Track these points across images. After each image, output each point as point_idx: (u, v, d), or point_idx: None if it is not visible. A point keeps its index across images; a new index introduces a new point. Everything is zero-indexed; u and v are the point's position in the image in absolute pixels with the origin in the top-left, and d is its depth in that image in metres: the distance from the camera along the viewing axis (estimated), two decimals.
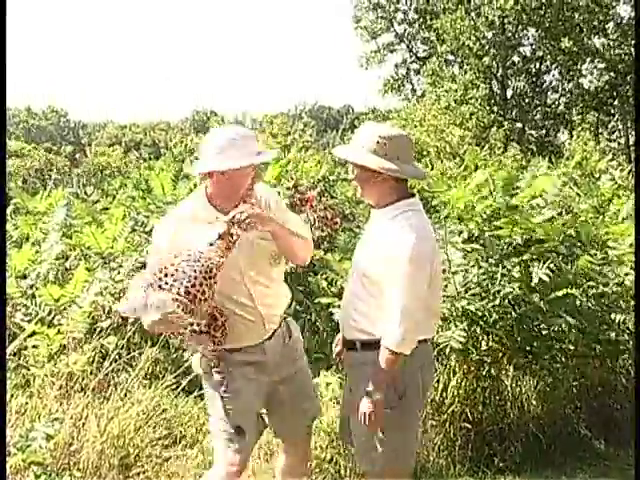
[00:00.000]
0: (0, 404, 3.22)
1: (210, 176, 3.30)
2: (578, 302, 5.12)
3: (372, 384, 3.16)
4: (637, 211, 4.78)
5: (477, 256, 5.16)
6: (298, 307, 5.80)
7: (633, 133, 34.50)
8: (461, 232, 5.33)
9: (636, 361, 4.55)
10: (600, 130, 31.57)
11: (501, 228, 5.20)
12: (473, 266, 5.11)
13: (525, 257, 5.15)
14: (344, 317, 3.42)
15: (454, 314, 4.91)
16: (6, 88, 3.75)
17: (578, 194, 7.00)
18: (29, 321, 5.26)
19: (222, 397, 3.36)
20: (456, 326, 4.83)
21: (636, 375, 4.03)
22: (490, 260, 5.14)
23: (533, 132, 33.29)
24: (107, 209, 7.85)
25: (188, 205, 3.44)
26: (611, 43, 31.21)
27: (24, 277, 6.00)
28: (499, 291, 4.96)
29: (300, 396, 3.58)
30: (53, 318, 5.34)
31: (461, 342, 4.73)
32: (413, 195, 3.33)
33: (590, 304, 5.20)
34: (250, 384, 3.39)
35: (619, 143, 31.93)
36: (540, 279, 4.93)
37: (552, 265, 4.99)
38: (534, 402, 5.19)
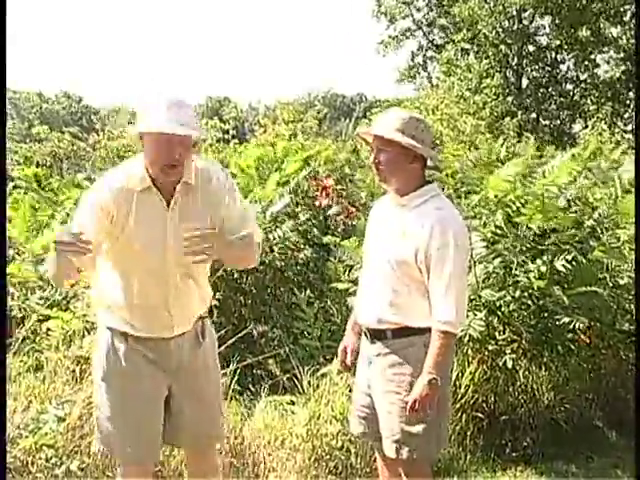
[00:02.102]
0: (0, 404, 3.22)
1: (141, 139, 3.13)
2: (598, 296, 5.08)
3: (430, 368, 3.13)
4: (637, 211, 4.74)
5: (500, 246, 5.12)
6: (311, 293, 5.77)
7: None
8: (485, 223, 5.27)
9: (636, 360, 4.51)
10: (615, 120, 31.36)
11: (523, 215, 5.16)
12: (495, 257, 5.06)
13: (542, 247, 5.10)
14: (368, 307, 3.38)
15: (473, 303, 4.89)
16: (6, 83, 3.74)
17: (595, 183, 6.93)
18: (44, 305, 5.27)
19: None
20: (475, 315, 4.81)
21: (636, 375, 4.00)
22: (512, 250, 5.08)
23: (547, 122, 33.11)
24: None
25: (124, 174, 3.17)
26: (628, 33, 30.95)
27: (42, 262, 6.02)
28: (518, 282, 4.93)
29: (204, 417, 3.36)
30: (68, 302, 5.35)
31: (480, 331, 4.71)
32: (431, 181, 3.34)
33: (605, 294, 5.16)
34: (141, 379, 3.25)
35: (636, 134, 31.71)
36: (560, 272, 4.89)
37: (570, 257, 4.95)
38: (547, 393, 5.16)
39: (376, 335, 3.34)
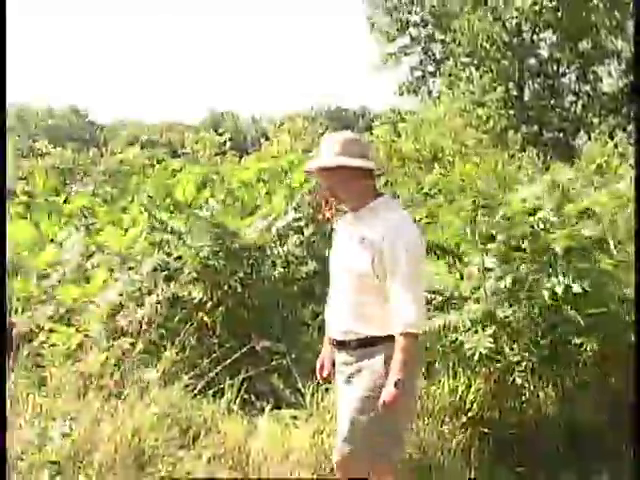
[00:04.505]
0: (0, 406, 3.21)
1: None
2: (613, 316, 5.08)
3: (397, 370, 3.21)
4: (637, 214, 4.74)
5: (514, 263, 5.11)
6: (315, 307, 5.76)
7: None
8: (505, 239, 5.27)
9: (636, 358, 4.50)
10: (618, 133, 31.38)
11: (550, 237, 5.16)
12: (508, 273, 5.06)
13: (558, 265, 5.09)
14: (335, 319, 3.49)
15: (484, 319, 4.89)
16: (6, 89, 3.77)
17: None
18: (49, 320, 5.28)
19: None
20: (484, 331, 4.80)
21: (635, 377, 3.99)
22: (525, 267, 5.07)
23: (550, 135, 33.11)
24: (126, 208, 7.87)
25: None
26: (630, 45, 30.98)
27: (45, 277, 6.03)
28: (530, 298, 4.92)
29: None
30: (69, 318, 5.36)
31: (489, 347, 4.71)
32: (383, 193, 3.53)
33: (613, 307, 5.15)
34: None
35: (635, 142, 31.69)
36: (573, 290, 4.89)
37: (587, 282, 4.92)
38: (553, 406, 5.14)
39: (342, 346, 3.44)
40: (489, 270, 5.09)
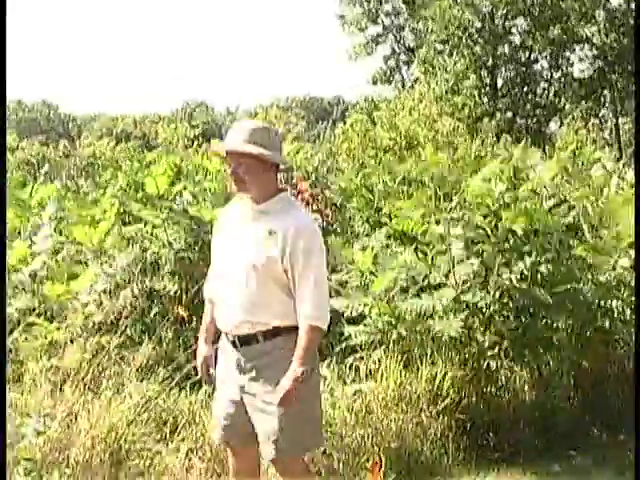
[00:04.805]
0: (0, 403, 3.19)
1: None
2: (579, 294, 5.12)
3: (300, 360, 3.25)
4: (637, 211, 4.77)
5: (479, 247, 5.14)
6: None
7: (623, 121, 34.61)
8: (466, 222, 5.28)
9: (636, 356, 4.53)
10: (590, 119, 31.63)
11: (501, 219, 5.19)
12: (476, 257, 5.09)
13: (526, 249, 5.13)
14: (233, 313, 3.41)
15: (453, 304, 4.90)
16: (6, 87, 3.72)
17: (567, 181, 6.99)
18: (23, 315, 5.23)
19: None
20: (455, 316, 4.82)
21: (635, 371, 4.02)
22: (491, 251, 5.11)
23: (523, 121, 33.31)
24: (98, 202, 7.80)
25: None
26: (601, 30, 31.22)
27: (16, 271, 5.96)
28: (498, 283, 4.95)
29: None
30: (47, 313, 5.32)
31: (459, 331, 4.73)
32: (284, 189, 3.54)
33: (585, 293, 5.19)
34: None
35: (610, 131, 31.97)
36: (540, 272, 4.93)
37: (550, 256, 4.99)
38: (529, 392, 5.18)
39: (245, 340, 3.40)
40: (456, 257, 5.11)
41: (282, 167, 3.50)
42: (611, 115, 34.15)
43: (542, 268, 4.95)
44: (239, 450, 3.61)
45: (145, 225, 6.54)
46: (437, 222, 5.38)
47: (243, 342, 3.40)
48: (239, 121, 3.65)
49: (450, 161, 7.13)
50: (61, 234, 6.60)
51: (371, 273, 5.31)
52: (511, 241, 5.20)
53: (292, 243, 3.28)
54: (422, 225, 5.52)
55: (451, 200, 5.59)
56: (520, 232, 5.18)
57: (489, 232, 5.20)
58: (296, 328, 3.32)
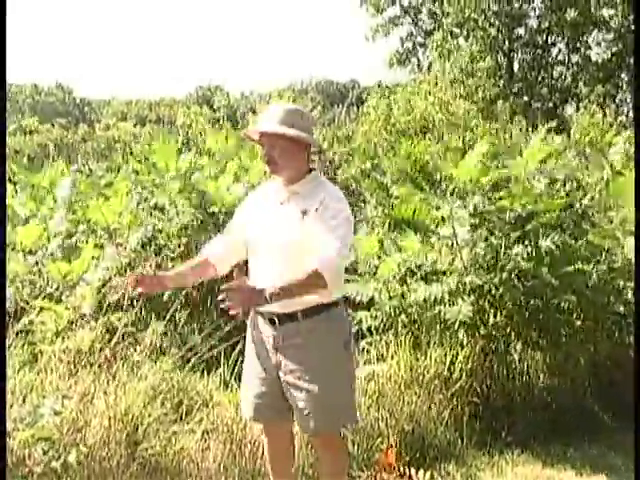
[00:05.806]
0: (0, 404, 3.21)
1: None
2: (587, 276, 5.10)
3: (278, 287, 3.13)
4: (637, 208, 4.74)
5: (483, 230, 5.13)
6: None
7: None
8: (466, 206, 5.28)
9: (635, 354, 4.52)
10: (607, 103, 31.32)
11: (501, 199, 5.19)
12: (481, 240, 5.09)
13: (527, 228, 5.13)
14: None
15: (461, 288, 4.90)
16: (6, 75, 3.73)
17: (587, 167, 6.95)
18: (37, 297, 5.25)
19: None
20: (464, 300, 4.82)
21: (635, 371, 4.02)
22: (496, 233, 5.11)
23: (539, 105, 33.04)
24: (112, 184, 7.82)
25: None
26: (619, 13, 30.85)
27: (31, 253, 6.00)
28: (505, 265, 4.94)
29: None
30: (61, 294, 5.34)
31: (469, 316, 4.73)
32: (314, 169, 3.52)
33: (598, 277, 5.17)
34: None
35: (627, 116, 31.68)
36: (547, 252, 4.92)
37: (556, 237, 4.98)
38: (542, 376, 5.18)
39: (285, 318, 3.38)
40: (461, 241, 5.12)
41: (313, 149, 3.50)
42: (628, 99, 33.80)
43: (545, 247, 4.95)
44: (273, 428, 3.67)
45: (155, 208, 6.58)
46: (437, 208, 5.36)
47: (282, 320, 3.39)
48: (271, 105, 3.67)
49: (462, 144, 7.09)
50: (75, 214, 6.64)
51: (378, 257, 5.32)
52: (513, 222, 5.20)
53: (323, 207, 3.29)
54: (421, 211, 5.49)
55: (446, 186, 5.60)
56: (521, 213, 5.19)
57: (489, 215, 5.21)
58: (335, 304, 3.35)
